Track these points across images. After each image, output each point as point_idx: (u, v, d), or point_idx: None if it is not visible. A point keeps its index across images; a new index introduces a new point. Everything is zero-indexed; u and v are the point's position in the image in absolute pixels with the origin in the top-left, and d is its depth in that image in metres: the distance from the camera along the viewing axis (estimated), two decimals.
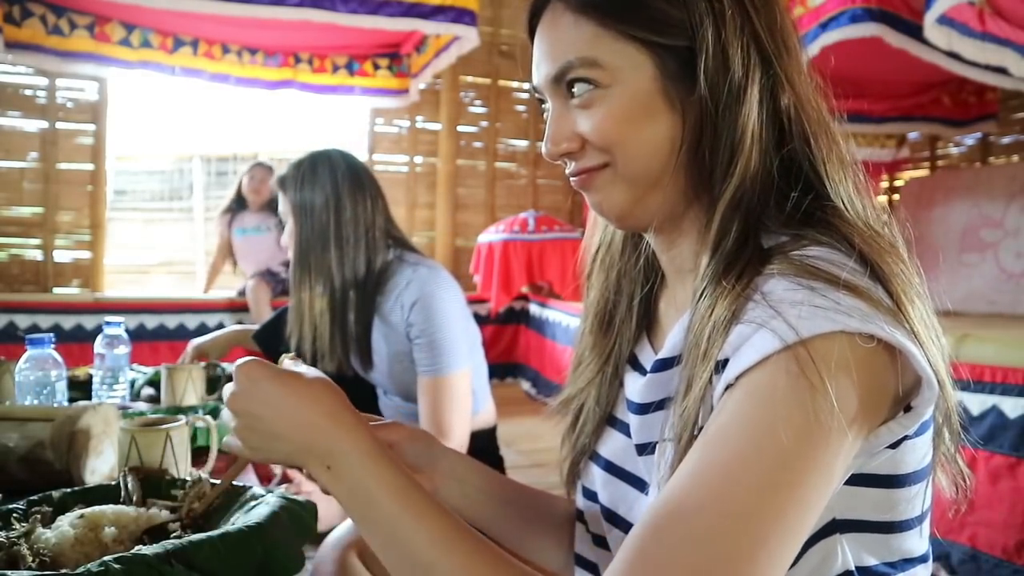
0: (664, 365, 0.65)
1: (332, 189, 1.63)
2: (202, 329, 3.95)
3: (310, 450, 0.59)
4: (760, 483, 0.47)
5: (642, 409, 0.67)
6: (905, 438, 0.55)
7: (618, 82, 0.62)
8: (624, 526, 0.69)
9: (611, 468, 0.72)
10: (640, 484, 0.68)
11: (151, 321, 3.97)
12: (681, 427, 0.56)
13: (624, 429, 0.71)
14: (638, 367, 0.72)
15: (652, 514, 0.49)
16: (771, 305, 0.51)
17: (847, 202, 0.61)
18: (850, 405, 0.49)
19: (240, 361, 0.63)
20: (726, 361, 0.53)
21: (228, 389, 0.63)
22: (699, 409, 0.54)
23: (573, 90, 0.64)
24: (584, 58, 0.62)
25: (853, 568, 0.57)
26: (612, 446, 0.73)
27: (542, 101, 0.69)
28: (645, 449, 0.66)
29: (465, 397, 1.60)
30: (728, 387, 0.51)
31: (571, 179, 0.68)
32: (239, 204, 4.22)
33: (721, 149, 0.60)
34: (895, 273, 0.55)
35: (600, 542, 0.74)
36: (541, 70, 0.66)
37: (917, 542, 0.60)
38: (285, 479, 1.27)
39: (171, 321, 4.01)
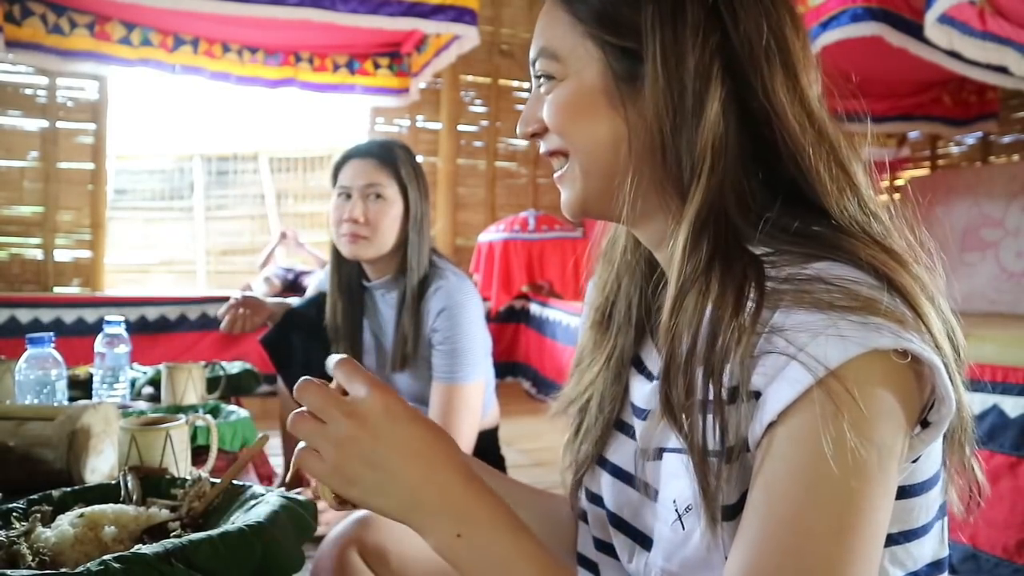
0: None
1: (423, 185, 1.72)
2: (204, 322, 3.94)
3: (439, 512, 0.54)
4: (832, 529, 0.47)
5: (648, 415, 0.66)
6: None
7: (570, 76, 0.64)
8: (630, 531, 0.68)
9: (618, 473, 0.71)
10: (647, 489, 0.67)
11: (152, 312, 3.94)
12: (690, 443, 0.55)
13: (631, 433, 0.70)
14: (643, 371, 0.70)
15: None
16: (791, 339, 0.50)
17: (850, 216, 0.59)
18: (892, 424, 0.49)
19: (379, 398, 0.56)
20: (758, 391, 0.51)
21: (344, 429, 0.54)
22: (713, 428, 0.53)
23: (540, 77, 0.67)
24: (546, 49, 0.65)
25: None
26: (619, 451, 0.71)
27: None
28: (650, 455, 0.65)
29: (476, 408, 1.62)
30: (771, 424, 0.50)
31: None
32: None
33: (682, 156, 0.59)
34: (910, 285, 0.53)
35: (601, 545, 0.73)
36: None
37: (938, 545, 0.59)
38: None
39: (172, 312, 3.98)
